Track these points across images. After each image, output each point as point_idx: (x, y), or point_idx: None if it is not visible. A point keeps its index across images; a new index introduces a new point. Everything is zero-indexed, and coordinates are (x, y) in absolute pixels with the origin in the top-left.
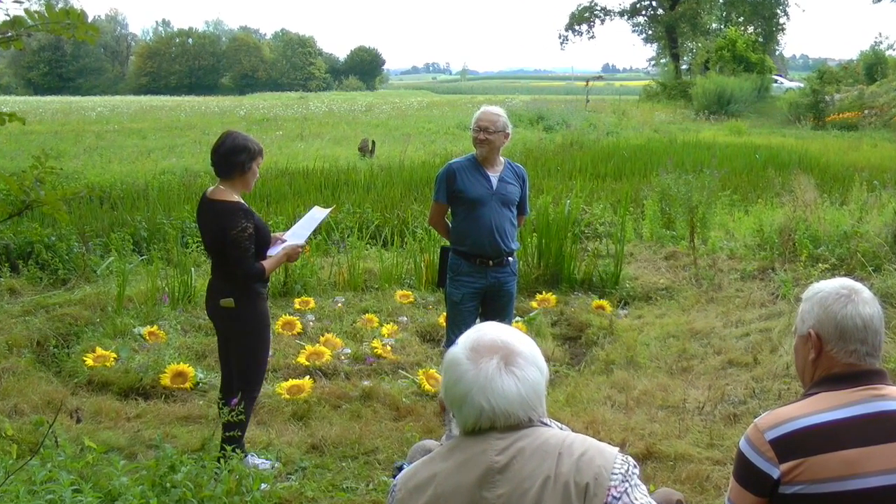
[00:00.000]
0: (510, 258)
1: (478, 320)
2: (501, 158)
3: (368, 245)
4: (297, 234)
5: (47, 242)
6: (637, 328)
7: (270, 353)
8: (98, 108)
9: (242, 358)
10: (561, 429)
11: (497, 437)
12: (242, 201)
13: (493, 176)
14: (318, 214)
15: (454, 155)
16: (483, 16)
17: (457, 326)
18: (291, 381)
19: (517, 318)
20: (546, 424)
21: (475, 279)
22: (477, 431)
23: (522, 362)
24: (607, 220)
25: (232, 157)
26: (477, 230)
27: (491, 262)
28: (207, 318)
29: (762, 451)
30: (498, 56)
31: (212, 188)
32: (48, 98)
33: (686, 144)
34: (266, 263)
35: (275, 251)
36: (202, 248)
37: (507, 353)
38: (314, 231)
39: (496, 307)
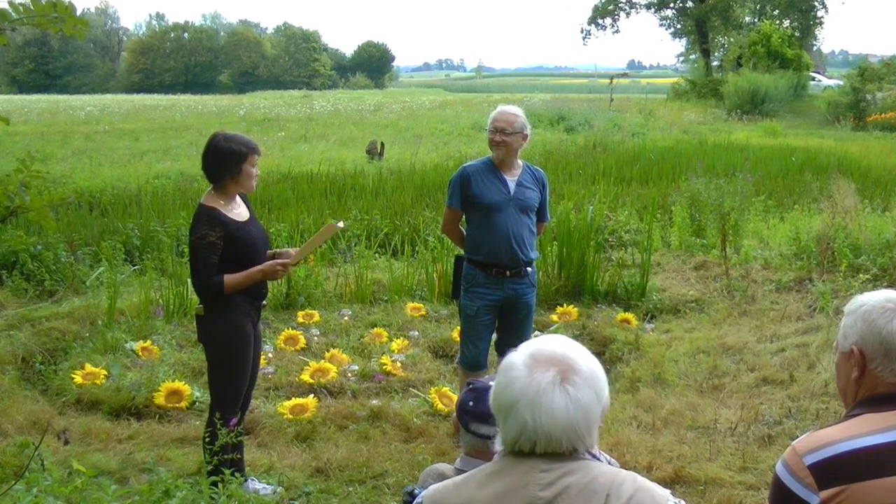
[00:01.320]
0: (529, 268)
1: (494, 335)
2: (520, 161)
3: (377, 254)
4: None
5: (33, 251)
6: (665, 343)
7: (272, 369)
8: (87, 107)
9: (211, 374)
10: (610, 463)
11: (542, 468)
12: (219, 208)
13: (511, 180)
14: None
15: (469, 158)
16: (500, 9)
17: (471, 341)
18: (294, 400)
19: (536, 333)
20: (595, 457)
21: (491, 291)
22: (518, 453)
23: (579, 382)
24: (633, 227)
25: (217, 164)
26: (493, 238)
27: (508, 273)
28: None
29: (800, 476)
30: (516, 52)
31: (205, 193)
32: (34, 97)
33: (717, 146)
34: (230, 277)
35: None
36: None
37: (565, 367)
38: (314, 246)
39: (514, 321)
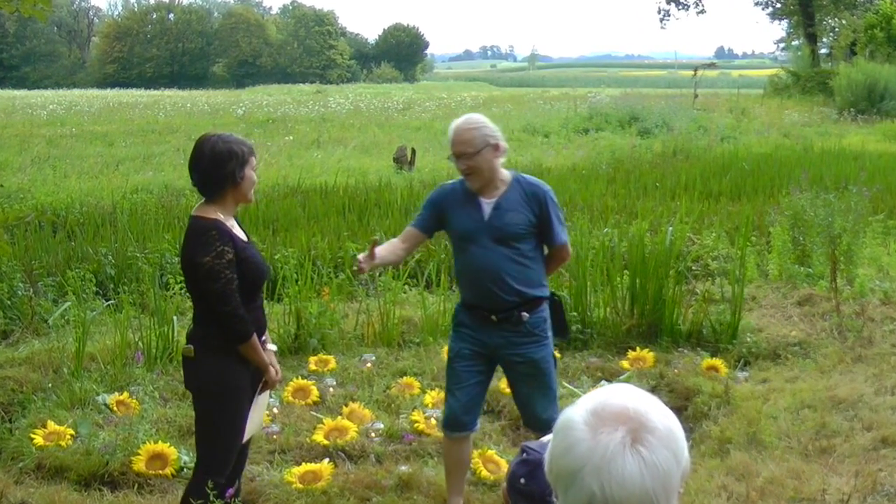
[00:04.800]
0: (525, 313)
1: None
2: (505, 177)
3: (406, 286)
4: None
5: None
6: (761, 396)
7: (277, 427)
8: (50, 104)
9: (199, 427)
10: None
11: None
12: (224, 221)
13: (487, 202)
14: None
15: (520, 167)
16: None
17: (450, 391)
18: (305, 466)
19: (602, 383)
20: None
21: (476, 333)
22: None
23: (654, 442)
24: (722, 253)
25: (218, 170)
26: (469, 275)
27: (494, 317)
28: None
29: None
30: (578, 38)
31: (197, 206)
32: None
33: (826, 153)
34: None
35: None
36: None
37: (636, 425)
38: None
39: (514, 380)
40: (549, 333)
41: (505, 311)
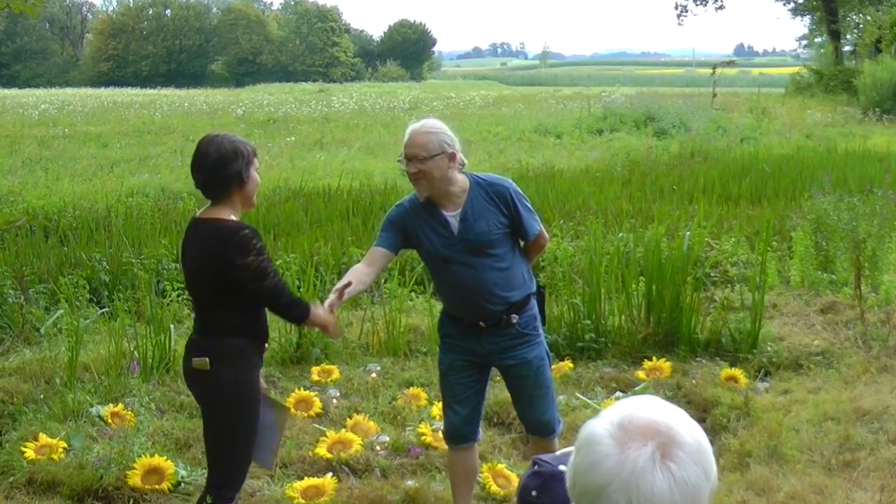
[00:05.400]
0: (514, 315)
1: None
2: (461, 183)
3: (413, 293)
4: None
5: None
6: (782, 407)
7: (281, 442)
8: (42, 104)
9: (212, 441)
10: None
11: None
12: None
13: (452, 216)
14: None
15: (530, 168)
16: None
17: (448, 404)
18: (308, 481)
19: (617, 394)
20: None
21: (465, 342)
22: None
23: (684, 457)
24: (741, 258)
25: (224, 169)
26: (451, 293)
27: (483, 324)
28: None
29: None
30: (591, 34)
31: (203, 209)
32: None
33: (849, 155)
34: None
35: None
36: (185, 296)
37: (666, 440)
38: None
39: (512, 385)
40: (541, 331)
41: (493, 317)
